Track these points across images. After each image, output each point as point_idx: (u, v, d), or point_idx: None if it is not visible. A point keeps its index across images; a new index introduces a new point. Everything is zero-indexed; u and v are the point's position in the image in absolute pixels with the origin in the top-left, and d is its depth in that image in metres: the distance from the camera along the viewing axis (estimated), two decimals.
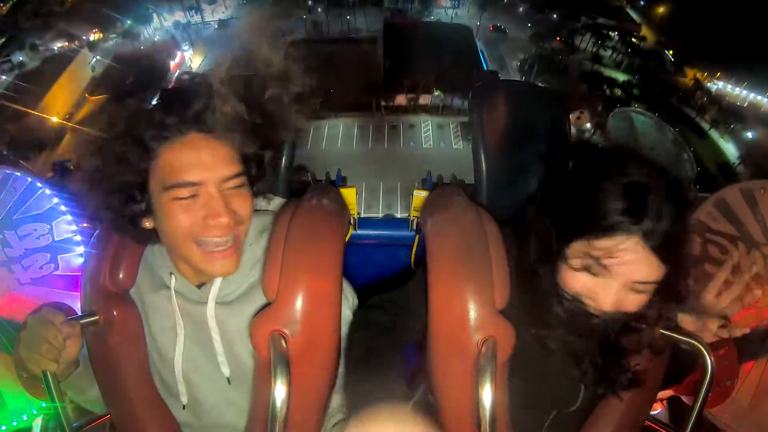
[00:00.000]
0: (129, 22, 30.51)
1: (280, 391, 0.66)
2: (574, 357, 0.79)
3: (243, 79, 0.76)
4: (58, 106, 23.62)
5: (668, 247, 0.68)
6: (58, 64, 25.73)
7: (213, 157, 0.75)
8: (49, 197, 2.06)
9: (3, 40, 25.48)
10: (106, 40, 29.35)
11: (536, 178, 0.97)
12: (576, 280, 0.74)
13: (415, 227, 1.32)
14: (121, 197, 0.76)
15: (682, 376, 0.92)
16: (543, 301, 0.77)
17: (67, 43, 27.54)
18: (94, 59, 27.31)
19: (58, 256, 2.05)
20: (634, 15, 38.68)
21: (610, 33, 34.08)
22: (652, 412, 0.95)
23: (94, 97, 24.42)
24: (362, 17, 35.59)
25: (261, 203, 0.90)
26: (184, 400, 0.86)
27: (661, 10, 37.28)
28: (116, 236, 0.85)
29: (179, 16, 33.01)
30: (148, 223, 0.79)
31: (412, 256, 1.33)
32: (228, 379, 0.84)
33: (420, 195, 1.27)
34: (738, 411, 1.28)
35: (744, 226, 1.35)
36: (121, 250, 0.86)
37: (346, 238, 0.90)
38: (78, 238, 2.07)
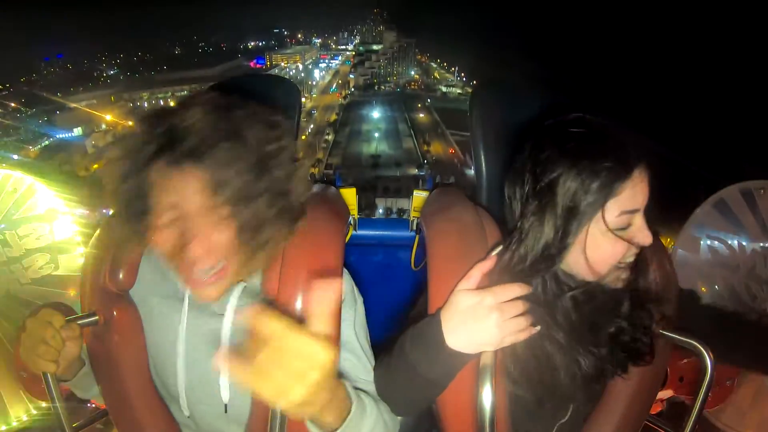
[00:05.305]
0: None
1: None
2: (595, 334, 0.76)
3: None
4: None
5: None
6: None
7: None
8: (49, 197, 2.06)
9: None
10: None
11: None
12: (614, 247, 0.70)
13: (415, 227, 1.31)
14: None
15: (682, 376, 0.92)
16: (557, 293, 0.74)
17: None
18: None
19: (58, 256, 2.06)
20: None
21: None
22: (652, 412, 0.95)
23: None
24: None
25: None
26: (186, 412, 0.84)
27: None
28: (116, 236, 0.84)
29: None
30: None
31: (412, 256, 1.32)
32: (226, 406, 0.80)
33: (420, 195, 1.27)
34: (738, 411, 1.28)
35: (744, 226, 1.35)
36: (121, 250, 0.86)
37: (347, 239, 0.89)
38: (78, 238, 2.07)
